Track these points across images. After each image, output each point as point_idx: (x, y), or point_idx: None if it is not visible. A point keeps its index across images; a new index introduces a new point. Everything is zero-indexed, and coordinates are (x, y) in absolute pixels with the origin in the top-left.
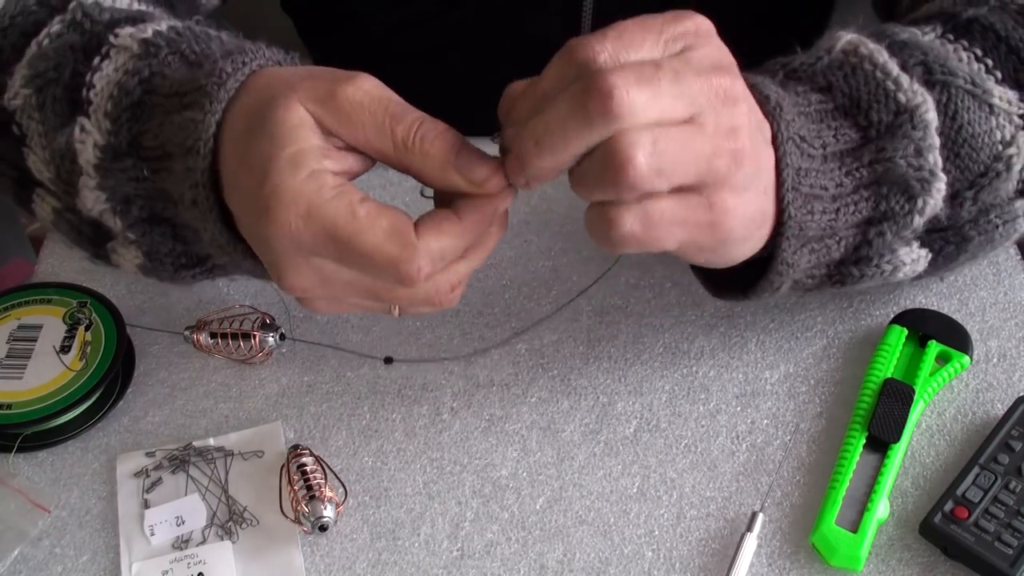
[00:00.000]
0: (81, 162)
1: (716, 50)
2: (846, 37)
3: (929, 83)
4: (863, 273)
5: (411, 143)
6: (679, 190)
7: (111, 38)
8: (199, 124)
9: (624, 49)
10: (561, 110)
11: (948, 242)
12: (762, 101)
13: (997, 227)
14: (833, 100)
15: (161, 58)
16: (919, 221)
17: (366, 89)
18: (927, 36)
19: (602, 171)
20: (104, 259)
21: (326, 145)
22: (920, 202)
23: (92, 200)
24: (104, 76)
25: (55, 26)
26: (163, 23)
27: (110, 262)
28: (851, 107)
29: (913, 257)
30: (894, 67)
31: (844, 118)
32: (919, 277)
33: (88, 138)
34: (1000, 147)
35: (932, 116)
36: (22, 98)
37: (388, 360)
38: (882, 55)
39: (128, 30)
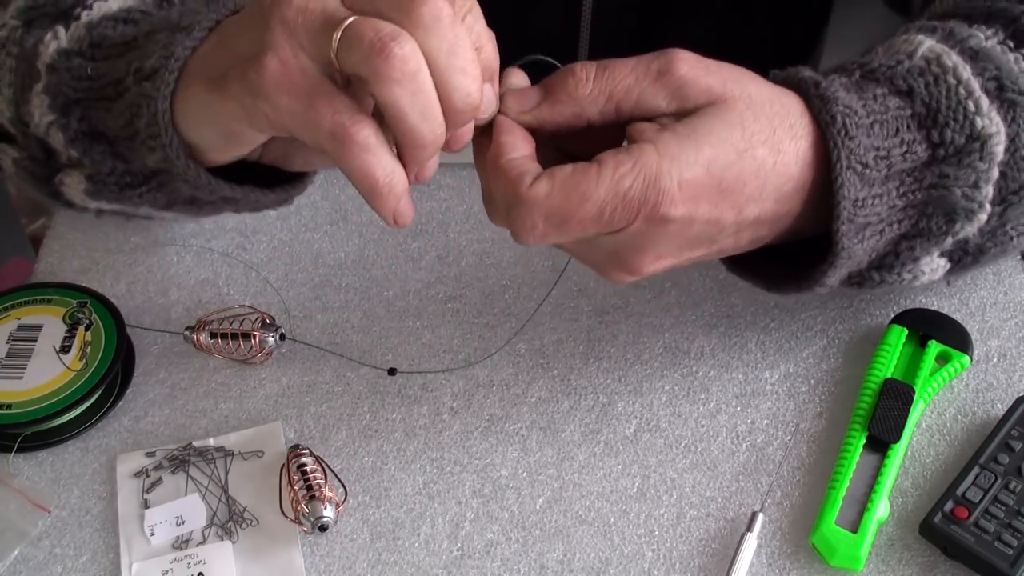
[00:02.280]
0: (38, 64)
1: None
2: (927, 43)
3: (1000, 99)
4: (883, 279)
5: None
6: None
7: None
8: (198, 14)
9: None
10: (496, 206)
11: (967, 253)
12: (827, 122)
13: (1012, 239)
14: (912, 107)
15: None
16: (949, 242)
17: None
18: (989, 40)
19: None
20: (57, 197)
21: None
22: (958, 226)
23: (38, 108)
24: (105, 5)
25: None
26: None
27: (62, 198)
28: (927, 118)
29: (933, 267)
30: (976, 87)
31: (918, 130)
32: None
33: (53, 42)
34: None
35: (1000, 150)
36: (7, 30)
37: (392, 371)
38: (966, 71)
39: None
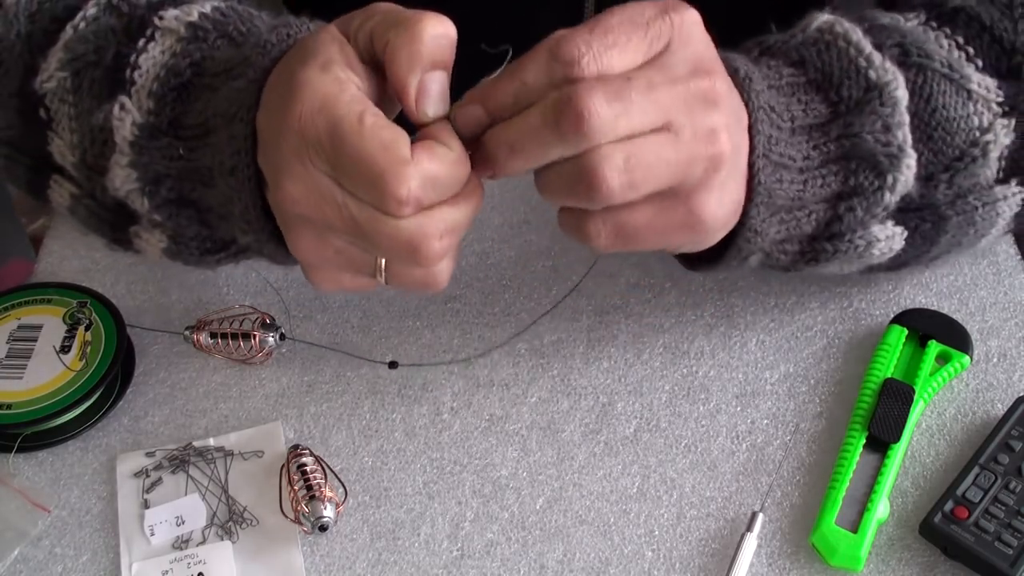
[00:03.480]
0: (117, 139)
1: (699, 47)
2: (823, 17)
3: (905, 64)
4: (836, 248)
5: (408, 27)
6: (655, 196)
7: (156, 20)
8: (242, 92)
9: (608, 50)
10: (535, 122)
11: (924, 220)
12: (731, 73)
13: (976, 208)
14: (805, 74)
15: (211, 42)
16: (889, 198)
17: (387, 2)
18: (910, 22)
19: (572, 184)
20: (123, 244)
21: (355, 60)
22: (889, 178)
23: (122, 179)
24: (151, 58)
25: (91, 9)
26: (207, 5)
27: (130, 247)
28: (823, 82)
29: (887, 234)
30: (867, 45)
31: (815, 92)
32: (905, 261)
33: (127, 116)
34: (977, 133)
35: (902, 94)
36: (56, 81)
37: (393, 364)
38: (856, 33)
39: (172, 12)
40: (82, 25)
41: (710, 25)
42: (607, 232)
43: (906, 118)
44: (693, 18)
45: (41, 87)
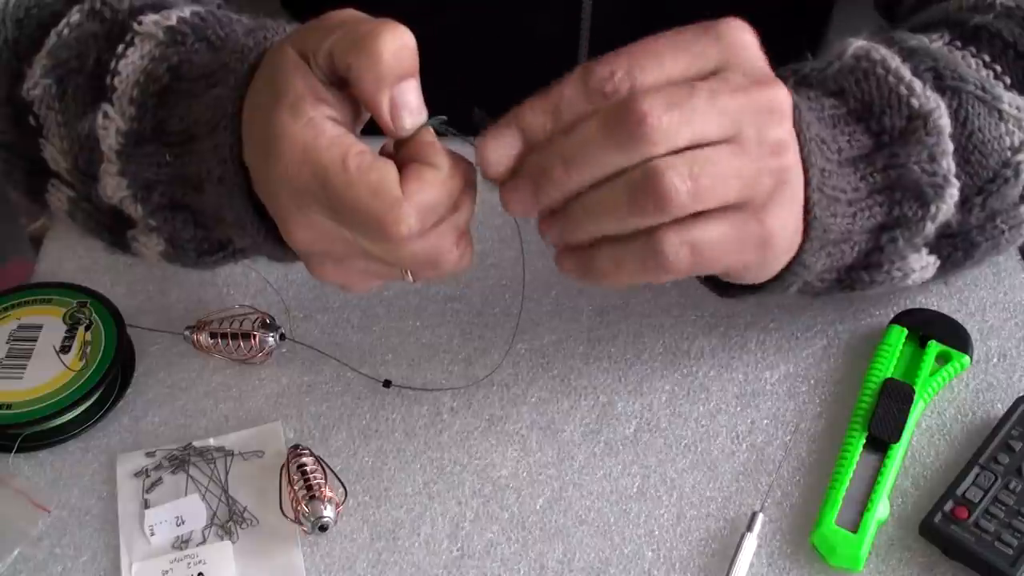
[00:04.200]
0: (103, 148)
1: (756, 63)
2: (856, 43)
3: (940, 89)
4: (873, 279)
5: (365, 45)
6: (727, 210)
7: (135, 25)
8: (223, 100)
9: (651, 73)
10: (591, 133)
11: (956, 248)
12: None
13: (1003, 232)
14: (846, 105)
15: (188, 45)
16: (931, 228)
17: (346, 10)
18: (935, 43)
19: (634, 195)
20: (122, 247)
21: (321, 88)
22: (933, 208)
23: (113, 187)
24: (130, 63)
25: (74, 15)
26: (186, 9)
27: (129, 250)
28: (864, 112)
29: (923, 264)
30: (906, 72)
31: (857, 123)
32: (925, 283)
33: (111, 124)
34: (1009, 153)
35: (945, 122)
36: (42, 88)
37: (387, 384)
38: (894, 60)
39: (152, 17)
40: (65, 31)
41: (725, 11)
42: (684, 250)
43: (950, 146)
44: (746, 38)
45: (28, 94)
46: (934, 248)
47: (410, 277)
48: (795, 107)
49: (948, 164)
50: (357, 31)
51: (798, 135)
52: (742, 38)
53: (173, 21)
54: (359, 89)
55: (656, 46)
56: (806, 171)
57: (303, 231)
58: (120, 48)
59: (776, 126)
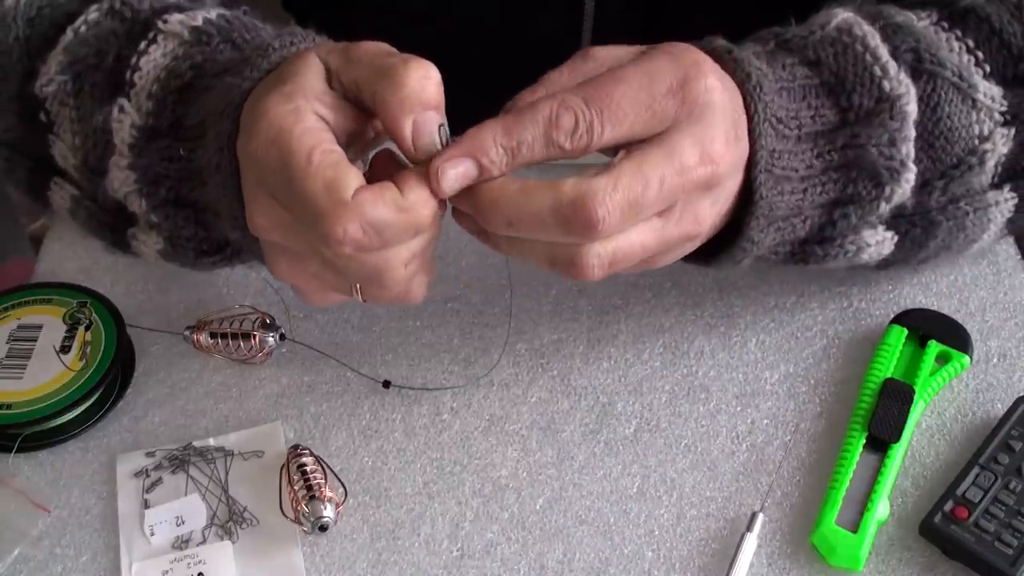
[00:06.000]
0: (116, 141)
1: (710, 124)
2: (842, 15)
3: (917, 71)
4: (826, 253)
5: (396, 73)
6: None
7: (159, 24)
8: (232, 89)
9: (613, 132)
10: (543, 210)
11: (915, 225)
12: (741, 81)
13: (968, 214)
14: (819, 76)
15: (213, 46)
16: (885, 207)
17: (377, 43)
18: (922, 22)
19: (553, 260)
20: (122, 247)
21: (325, 89)
22: (887, 190)
23: (121, 180)
24: (152, 60)
25: (92, 14)
26: (212, 11)
27: (128, 249)
28: (836, 86)
29: (878, 239)
30: (884, 53)
31: (827, 96)
32: (892, 262)
33: (126, 118)
34: (976, 141)
35: (912, 108)
36: (56, 84)
37: (386, 384)
38: (875, 39)
39: (177, 17)
40: (83, 28)
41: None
42: (599, 265)
43: (912, 133)
44: (706, 85)
45: (41, 91)
46: (890, 225)
47: (359, 295)
48: (758, 85)
49: (907, 150)
50: (387, 62)
51: (749, 120)
52: (705, 98)
53: (199, 22)
54: (383, 113)
55: (623, 101)
56: (753, 154)
57: (261, 216)
58: (143, 45)
59: (704, 199)
